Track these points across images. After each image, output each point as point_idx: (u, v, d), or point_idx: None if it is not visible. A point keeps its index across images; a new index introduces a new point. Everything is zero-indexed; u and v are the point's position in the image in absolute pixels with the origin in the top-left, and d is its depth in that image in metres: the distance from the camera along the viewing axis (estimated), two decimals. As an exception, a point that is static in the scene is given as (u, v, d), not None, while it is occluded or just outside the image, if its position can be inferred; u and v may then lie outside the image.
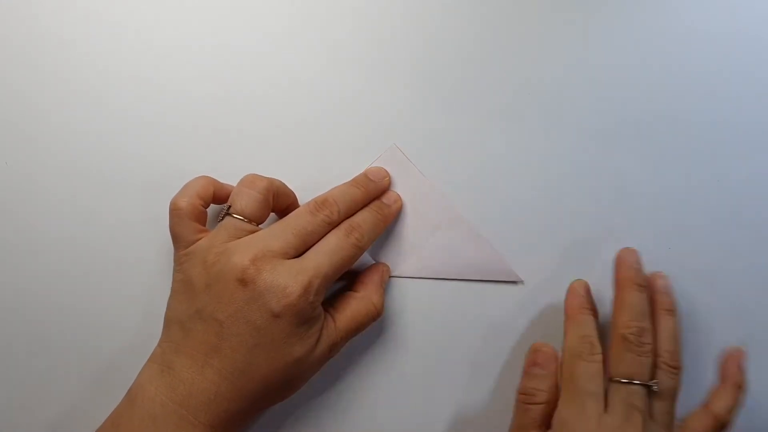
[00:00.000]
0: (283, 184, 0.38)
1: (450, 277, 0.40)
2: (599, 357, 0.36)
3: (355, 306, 0.37)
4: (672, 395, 0.36)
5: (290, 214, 0.36)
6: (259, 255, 0.33)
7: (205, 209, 0.37)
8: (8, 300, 0.40)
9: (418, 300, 0.40)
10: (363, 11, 0.41)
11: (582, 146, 0.41)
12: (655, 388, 0.35)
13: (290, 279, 0.33)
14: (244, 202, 0.35)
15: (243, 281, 0.33)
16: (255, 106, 0.40)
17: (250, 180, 0.36)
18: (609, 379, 0.36)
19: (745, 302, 0.41)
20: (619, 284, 0.38)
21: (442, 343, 0.40)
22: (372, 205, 0.39)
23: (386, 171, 0.40)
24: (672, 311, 0.38)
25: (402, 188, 0.40)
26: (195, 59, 0.40)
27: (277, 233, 0.35)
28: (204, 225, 0.37)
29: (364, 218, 0.37)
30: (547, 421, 0.36)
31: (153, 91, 0.40)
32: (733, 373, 0.39)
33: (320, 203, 0.36)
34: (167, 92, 0.40)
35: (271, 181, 0.37)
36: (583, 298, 0.39)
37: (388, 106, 0.40)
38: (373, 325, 0.39)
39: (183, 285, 0.35)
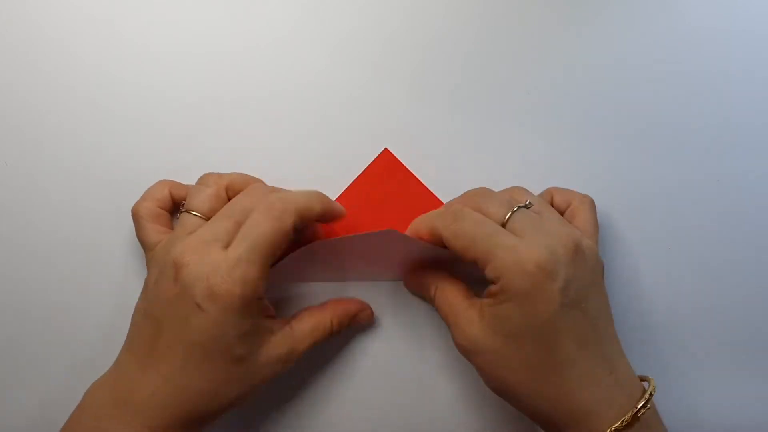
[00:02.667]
0: (241, 176, 0.37)
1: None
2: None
3: (310, 314, 0.36)
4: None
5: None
6: (189, 247, 0.32)
7: (166, 211, 0.38)
8: (8, 300, 0.40)
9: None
10: (362, 13, 0.40)
11: (582, 146, 0.41)
12: (529, 204, 0.34)
13: (213, 267, 0.31)
14: (198, 198, 0.36)
15: (175, 276, 0.32)
16: (252, 109, 0.40)
17: (204, 177, 0.37)
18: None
19: (746, 302, 0.41)
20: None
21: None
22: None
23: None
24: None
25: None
26: (194, 61, 0.40)
27: (212, 221, 0.34)
28: (168, 226, 0.37)
29: (289, 193, 0.35)
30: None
31: (152, 92, 0.40)
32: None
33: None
34: (166, 93, 0.40)
35: (220, 176, 0.37)
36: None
37: (386, 108, 0.40)
38: (371, 328, 0.40)
39: (144, 285, 0.35)
